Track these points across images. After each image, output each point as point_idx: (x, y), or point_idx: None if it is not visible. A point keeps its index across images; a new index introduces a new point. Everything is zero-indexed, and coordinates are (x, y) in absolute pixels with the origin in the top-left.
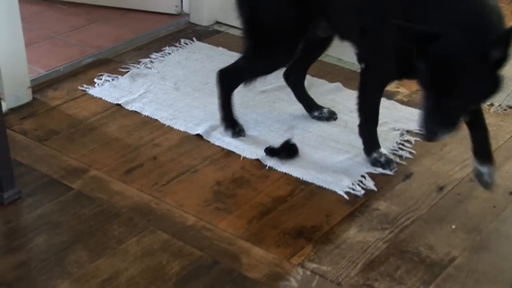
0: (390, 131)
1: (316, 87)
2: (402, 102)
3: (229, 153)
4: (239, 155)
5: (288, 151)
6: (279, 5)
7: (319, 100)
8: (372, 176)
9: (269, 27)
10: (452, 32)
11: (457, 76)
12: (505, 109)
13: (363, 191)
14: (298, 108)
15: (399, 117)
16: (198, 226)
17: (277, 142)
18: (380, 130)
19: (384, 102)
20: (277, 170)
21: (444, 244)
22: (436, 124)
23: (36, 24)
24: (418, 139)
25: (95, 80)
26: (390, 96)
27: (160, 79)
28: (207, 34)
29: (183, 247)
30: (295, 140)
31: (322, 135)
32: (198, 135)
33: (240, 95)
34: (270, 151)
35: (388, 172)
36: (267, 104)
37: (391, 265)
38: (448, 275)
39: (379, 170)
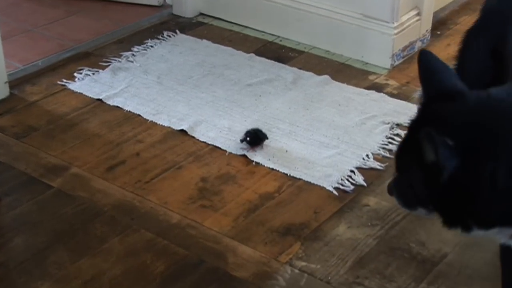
0: (380, 125)
1: (303, 79)
2: (391, 95)
3: (214, 149)
4: (225, 151)
5: (252, 137)
6: None
7: (306, 94)
8: (362, 171)
9: None
10: None
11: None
12: None
13: (352, 187)
14: (285, 101)
15: (389, 110)
16: (182, 224)
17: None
18: (369, 124)
19: (373, 95)
20: (264, 166)
21: (435, 240)
22: (394, 187)
23: (13, 17)
24: None
25: (75, 74)
26: (379, 89)
27: (142, 73)
28: (191, 26)
29: (168, 246)
30: (281, 135)
31: (309, 130)
32: (182, 130)
33: (224, 88)
34: (242, 139)
35: (378, 167)
36: (253, 98)
37: (382, 262)
38: (439, 271)
39: (369, 164)
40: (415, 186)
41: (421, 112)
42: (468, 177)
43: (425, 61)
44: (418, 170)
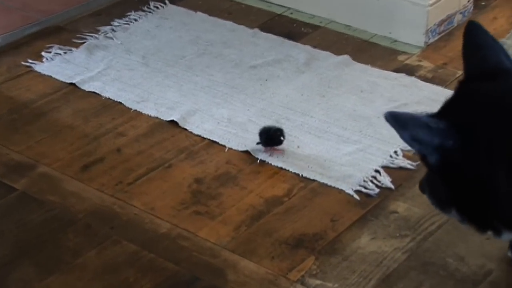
0: None
1: (318, 61)
2: (425, 79)
3: (211, 144)
4: (224, 146)
5: (267, 137)
6: None
7: (322, 78)
8: (389, 171)
9: None
10: None
11: None
12: None
13: (377, 190)
14: (296, 87)
15: (422, 97)
16: (173, 234)
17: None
18: None
19: (402, 79)
20: (270, 165)
21: (477, 255)
22: (426, 184)
23: None
24: None
25: (43, 53)
26: (411, 72)
27: (124, 52)
28: None
29: (155, 261)
30: (292, 127)
31: (326, 121)
32: (172, 121)
33: (223, 71)
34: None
35: (409, 166)
36: (258, 83)
37: (413, 281)
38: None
39: (397, 163)
40: (439, 182)
41: (454, 93)
42: (483, 170)
43: (472, 34)
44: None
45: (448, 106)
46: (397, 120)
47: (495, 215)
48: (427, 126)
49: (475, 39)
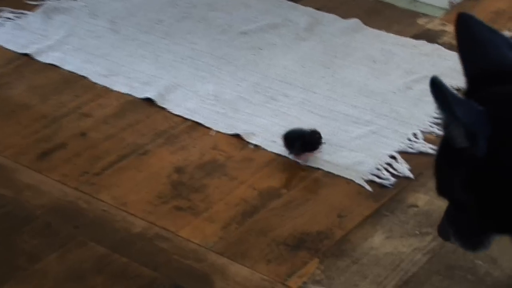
0: None
1: (323, 25)
2: (449, 47)
3: (194, 126)
4: (210, 129)
5: (305, 143)
6: None
7: (326, 46)
8: (407, 156)
9: None
10: None
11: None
12: None
13: (393, 179)
14: (296, 57)
15: (446, 68)
16: (149, 234)
17: (267, 107)
18: (418, 89)
19: (423, 47)
20: (266, 150)
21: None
22: (449, 225)
23: None
24: None
25: None
26: (433, 38)
27: (88, 15)
28: None
29: (128, 266)
30: (291, 105)
31: (332, 97)
32: (147, 99)
33: (209, 39)
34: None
35: (430, 151)
36: (251, 52)
37: (435, 287)
38: None
39: (417, 147)
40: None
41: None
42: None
43: (465, 29)
44: (456, 172)
45: None
46: (443, 90)
47: None
48: (470, 103)
49: (470, 35)
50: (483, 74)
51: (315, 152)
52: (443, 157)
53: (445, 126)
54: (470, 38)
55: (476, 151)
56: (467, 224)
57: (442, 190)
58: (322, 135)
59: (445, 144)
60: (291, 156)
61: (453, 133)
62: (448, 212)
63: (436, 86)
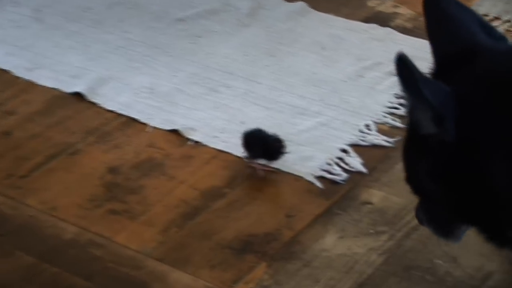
0: (386, 77)
1: (266, 10)
2: (403, 30)
3: (128, 122)
4: (145, 125)
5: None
6: None
7: (270, 32)
8: (360, 150)
9: None
10: None
11: None
12: None
13: (345, 175)
14: (238, 44)
15: None
16: (82, 241)
17: (207, 100)
18: (370, 76)
19: (375, 31)
20: (207, 146)
21: (473, 254)
22: (422, 211)
23: None
24: None
25: None
26: (385, 21)
27: (10, 3)
28: None
29: (60, 276)
30: (234, 97)
31: (277, 87)
32: (77, 94)
33: (142, 26)
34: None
35: (384, 143)
36: (188, 40)
37: None
38: None
39: (370, 140)
40: (429, 184)
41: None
42: (482, 160)
43: (434, 6)
44: (423, 161)
45: None
46: (410, 67)
47: (508, 225)
48: (438, 83)
49: (439, 12)
50: (452, 54)
51: (274, 162)
52: (409, 144)
53: (411, 110)
54: (438, 15)
55: (444, 136)
56: (438, 212)
57: (410, 179)
58: (266, 128)
59: (411, 130)
60: (246, 160)
61: (419, 116)
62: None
63: (402, 63)
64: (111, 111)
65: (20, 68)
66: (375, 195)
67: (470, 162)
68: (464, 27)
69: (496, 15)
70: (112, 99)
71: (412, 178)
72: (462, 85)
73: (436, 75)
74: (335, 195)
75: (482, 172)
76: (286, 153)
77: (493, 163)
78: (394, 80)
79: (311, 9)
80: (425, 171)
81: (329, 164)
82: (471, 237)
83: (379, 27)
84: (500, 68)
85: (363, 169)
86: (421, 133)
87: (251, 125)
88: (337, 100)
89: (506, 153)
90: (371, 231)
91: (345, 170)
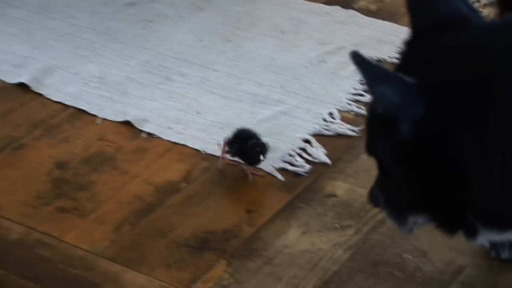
0: (350, 63)
1: None
2: (367, 12)
3: (77, 114)
4: (95, 116)
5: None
6: None
7: (227, 16)
8: (323, 140)
9: None
10: None
11: None
12: None
13: (308, 166)
14: (192, 29)
15: (364, 37)
16: (29, 241)
17: (160, 89)
18: (333, 61)
19: (337, 14)
20: (161, 139)
21: (444, 248)
22: (379, 190)
23: None
24: None
25: None
26: (348, 4)
27: None
28: None
29: (6, 279)
30: (189, 86)
31: (235, 75)
32: (21, 84)
33: (90, 11)
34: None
35: (349, 132)
36: (139, 26)
37: (359, 287)
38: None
39: (333, 129)
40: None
41: (402, 56)
42: (458, 146)
43: None
44: (387, 143)
45: (398, 68)
46: (369, 65)
47: (471, 207)
48: (399, 78)
49: None
50: (432, 25)
51: (252, 166)
52: (372, 117)
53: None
54: None
55: (398, 135)
56: (395, 193)
57: (370, 149)
58: (224, 118)
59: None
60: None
61: (377, 110)
62: (380, 178)
63: (356, 61)
64: (58, 103)
65: None
66: (340, 187)
67: (437, 148)
68: (446, 0)
69: None
70: (59, 89)
71: (373, 149)
72: (433, 68)
73: (411, 45)
74: (298, 188)
75: (450, 157)
76: (262, 159)
77: (464, 149)
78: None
79: None
80: (388, 152)
81: (291, 155)
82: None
83: (342, 9)
84: (475, 47)
85: (327, 160)
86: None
87: (208, 115)
88: (298, 87)
89: (477, 136)
90: (336, 225)
91: (308, 162)
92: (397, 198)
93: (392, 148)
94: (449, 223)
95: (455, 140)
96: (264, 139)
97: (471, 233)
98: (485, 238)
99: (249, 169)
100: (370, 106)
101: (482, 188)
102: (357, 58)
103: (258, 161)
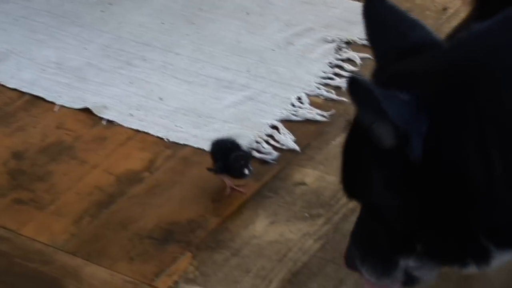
0: (318, 44)
1: None
2: None
3: (34, 101)
4: (53, 104)
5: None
6: None
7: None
8: (291, 126)
9: None
10: None
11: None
12: None
13: (275, 154)
14: (152, 11)
15: (333, 18)
16: None
17: (121, 74)
18: (300, 43)
19: None
20: (122, 126)
21: None
22: (355, 246)
23: None
24: (368, 56)
25: None
26: None
27: None
28: None
29: None
30: (150, 71)
31: (198, 59)
32: None
33: None
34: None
35: (318, 118)
36: (98, 8)
37: (330, 278)
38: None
39: (302, 114)
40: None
41: (375, 81)
42: (464, 162)
43: (374, 11)
44: (379, 175)
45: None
46: (366, 87)
47: (481, 226)
48: (396, 97)
49: (381, 17)
50: (399, 52)
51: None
52: (355, 149)
53: (367, 122)
54: (381, 20)
55: (410, 154)
56: (383, 238)
57: (351, 190)
58: (188, 104)
59: (361, 133)
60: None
61: (379, 131)
62: (355, 230)
63: (356, 86)
64: (14, 90)
65: None
66: (309, 175)
67: (438, 178)
68: (411, 29)
69: None
70: (14, 76)
71: (357, 192)
72: (423, 88)
73: (381, 73)
74: (265, 176)
75: (457, 177)
76: (248, 174)
77: (468, 160)
78: (327, 48)
79: None
80: (382, 183)
81: (258, 142)
82: None
83: None
84: (459, 61)
85: (295, 146)
86: (380, 147)
87: (171, 101)
88: (264, 71)
89: (479, 145)
90: (306, 214)
91: (275, 148)
92: (384, 244)
93: (388, 178)
94: (455, 254)
95: (459, 153)
96: (230, 125)
97: (484, 258)
98: (499, 261)
99: (228, 182)
100: (348, 140)
101: (491, 201)
102: (357, 82)
103: (243, 175)
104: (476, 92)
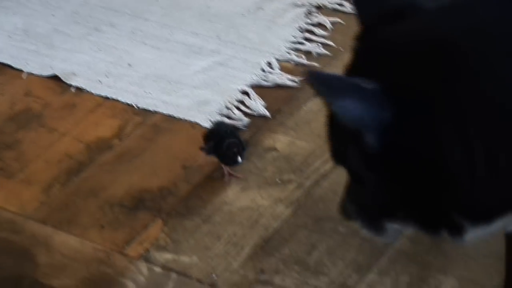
0: (288, 9)
1: None
2: None
3: (1, 69)
4: (20, 71)
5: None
6: None
7: None
8: (261, 91)
9: None
10: None
11: None
12: None
13: (246, 119)
14: None
15: None
16: None
17: (89, 41)
18: (270, 8)
19: None
20: (91, 93)
21: None
22: (350, 200)
23: None
24: (339, 20)
25: None
26: None
27: None
28: None
29: None
30: (119, 37)
31: (167, 24)
32: None
33: None
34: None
35: (289, 83)
36: None
37: (302, 244)
38: (399, 252)
39: (272, 79)
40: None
41: (356, 52)
42: (434, 144)
43: None
44: (356, 152)
45: (355, 68)
46: (325, 82)
47: (455, 204)
48: (359, 88)
49: None
50: (381, 16)
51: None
52: (337, 126)
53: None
54: None
55: (366, 148)
56: (370, 200)
57: (338, 158)
58: (157, 70)
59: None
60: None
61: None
62: (348, 185)
63: (313, 81)
64: None
65: None
66: (279, 141)
67: (412, 150)
68: None
69: None
70: None
71: (342, 161)
72: (391, 66)
73: (363, 40)
74: None
75: (428, 156)
76: (240, 162)
77: (442, 144)
78: (298, 12)
79: None
80: (359, 160)
81: (228, 108)
82: None
83: None
84: (430, 33)
85: (266, 112)
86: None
87: (140, 68)
88: (234, 36)
89: (454, 127)
90: (277, 180)
91: (246, 114)
92: (371, 206)
93: (363, 157)
94: (431, 225)
95: (431, 138)
96: (200, 91)
97: (457, 233)
98: (472, 235)
99: (225, 168)
100: (333, 115)
101: (465, 181)
102: (313, 76)
103: (236, 162)
104: (456, 77)
